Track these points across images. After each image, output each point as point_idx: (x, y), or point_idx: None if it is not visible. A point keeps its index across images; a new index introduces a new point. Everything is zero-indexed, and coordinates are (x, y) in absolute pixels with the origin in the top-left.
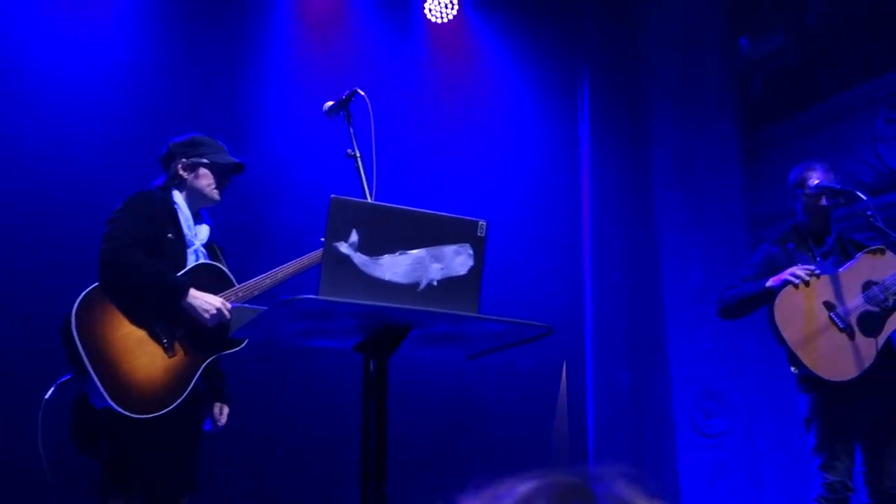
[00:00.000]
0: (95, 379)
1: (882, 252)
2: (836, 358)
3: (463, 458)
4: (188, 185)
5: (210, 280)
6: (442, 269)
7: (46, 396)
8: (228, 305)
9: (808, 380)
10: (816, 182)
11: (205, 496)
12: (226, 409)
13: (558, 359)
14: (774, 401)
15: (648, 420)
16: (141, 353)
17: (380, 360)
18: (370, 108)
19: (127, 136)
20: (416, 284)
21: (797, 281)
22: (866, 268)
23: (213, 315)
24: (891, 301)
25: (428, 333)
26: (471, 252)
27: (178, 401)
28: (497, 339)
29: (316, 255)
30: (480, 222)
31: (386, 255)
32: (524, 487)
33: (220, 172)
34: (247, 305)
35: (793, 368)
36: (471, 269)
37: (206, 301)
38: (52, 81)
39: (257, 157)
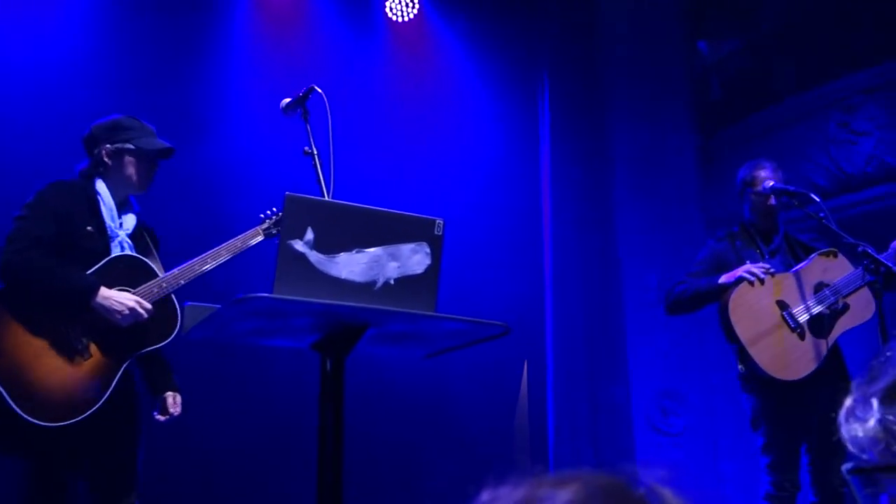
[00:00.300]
0: (2, 390)
1: (835, 255)
2: (787, 357)
3: (423, 458)
4: (113, 173)
5: (129, 273)
6: (399, 267)
7: None
8: (146, 304)
9: (753, 379)
10: (771, 184)
11: (156, 498)
12: (178, 398)
13: (519, 358)
14: (733, 399)
15: (607, 419)
16: (49, 358)
17: (336, 359)
18: (327, 106)
19: (74, 127)
20: (373, 283)
21: (752, 278)
22: (819, 269)
23: (125, 315)
24: (840, 304)
25: (385, 332)
26: (428, 251)
27: (98, 404)
28: (455, 337)
29: (250, 234)
30: (438, 221)
31: (342, 254)
32: (568, 494)
33: (147, 158)
34: (200, 304)
35: (740, 366)
36: (428, 268)
37: (117, 301)
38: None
39: (214, 152)
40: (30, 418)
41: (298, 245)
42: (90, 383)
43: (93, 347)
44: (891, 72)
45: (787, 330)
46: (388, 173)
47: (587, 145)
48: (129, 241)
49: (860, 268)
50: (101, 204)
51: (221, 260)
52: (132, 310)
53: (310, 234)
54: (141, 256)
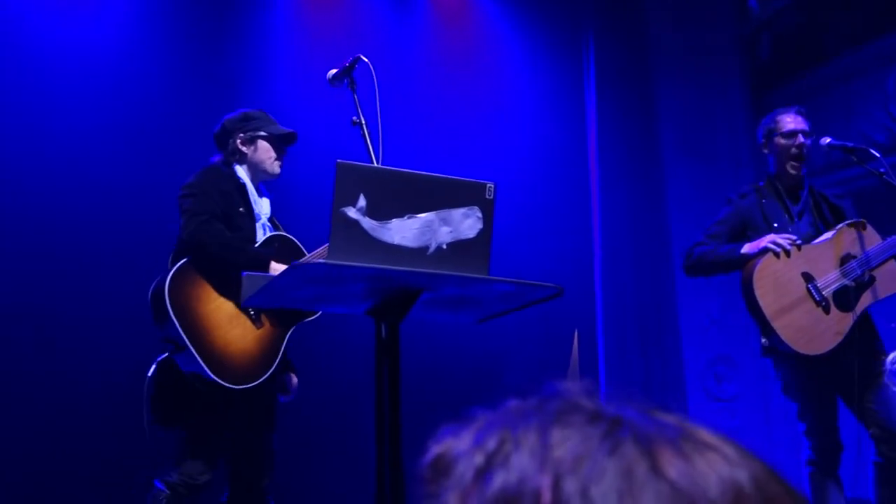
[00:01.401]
0: (194, 352)
1: (863, 226)
2: (812, 331)
3: None
4: (248, 160)
5: (283, 250)
6: (451, 232)
7: (150, 374)
8: None
9: (776, 350)
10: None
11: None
12: (295, 379)
13: (569, 327)
14: None
15: (660, 387)
16: (233, 325)
17: (391, 324)
18: (374, 75)
19: (139, 113)
20: (426, 248)
21: (778, 249)
22: (846, 240)
23: None
24: (867, 276)
25: (438, 297)
26: (479, 215)
27: (271, 370)
28: (507, 301)
29: None
30: (489, 185)
31: (394, 220)
32: (724, 472)
33: (277, 143)
34: (256, 273)
35: (763, 339)
36: (480, 232)
37: None
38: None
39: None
40: (219, 380)
41: (351, 212)
42: (265, 351)
43: (263, 317)
44: None
45: (812, 303)
46: (437, 141)
47: (635, 107)
48: (268, 223)
49: (890, 238)
50: (247, 187)
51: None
52: None
53: (362, 201)
54: (290, 236)
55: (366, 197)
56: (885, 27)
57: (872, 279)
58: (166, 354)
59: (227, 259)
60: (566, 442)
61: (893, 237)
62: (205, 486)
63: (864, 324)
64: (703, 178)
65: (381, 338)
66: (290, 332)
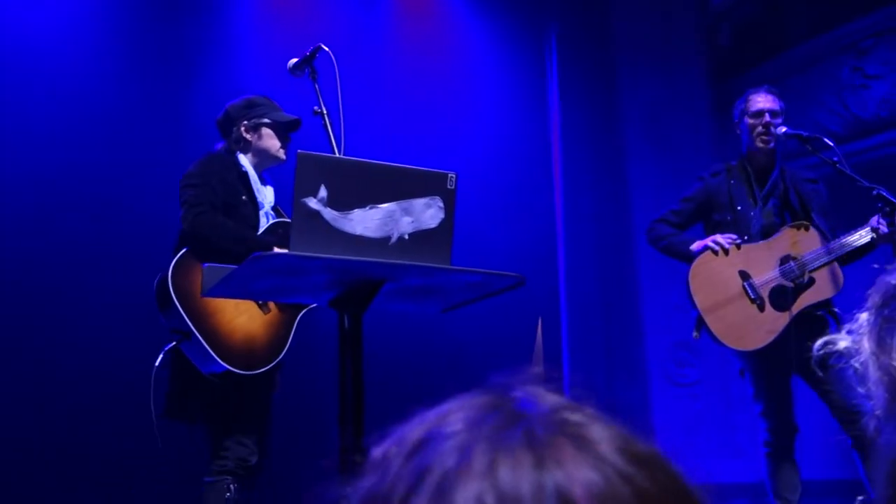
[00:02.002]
0: (202, 340)
1: (806, 228)
2: (744, 328)
3: None
4: (253, 147)
5: (288, 237)
6: (413, 222)
7: (157, 364)
8: None
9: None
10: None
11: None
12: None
13: (533, 314)
14: None
15: (623, 372)
16: (240, 311)
17: (354, 315)
18: (335, 64)
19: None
20: (388, 238)
21: (717, 248)
22: (787, 241)
23: None
24: (806, 278)
25: (401, 287)
26: (441, 205)
27: (281, 355)
28: (470, 290)
29: None
30: (450, 174)
31: (356, 210)
32: (455, 425)
33: (281, 130)
34: (218, 265)
35: (694, 334)
36: (442, 222)
37: None
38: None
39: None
40: (228, 366)
41: (312, 203)
42: (274, 336)
43: (271, 303)
44: None
45: (746, 301)
46: (399, 130)
47: (597, 96)
48: (272, 212)
49: (827, 244)
50: (249, 176)
51: None
52: None
53: (323, 192)
54: None
55: (327, 187)
56: (841, 18)
57: (812, 280)
58: (173, 344)
59: (226, 249)
60: (444, 444)
61: (830, 244)
62: (256, 469)
63: (817, 318)
64: (666, 166)
65: (343, 328)
66: (299, 317)
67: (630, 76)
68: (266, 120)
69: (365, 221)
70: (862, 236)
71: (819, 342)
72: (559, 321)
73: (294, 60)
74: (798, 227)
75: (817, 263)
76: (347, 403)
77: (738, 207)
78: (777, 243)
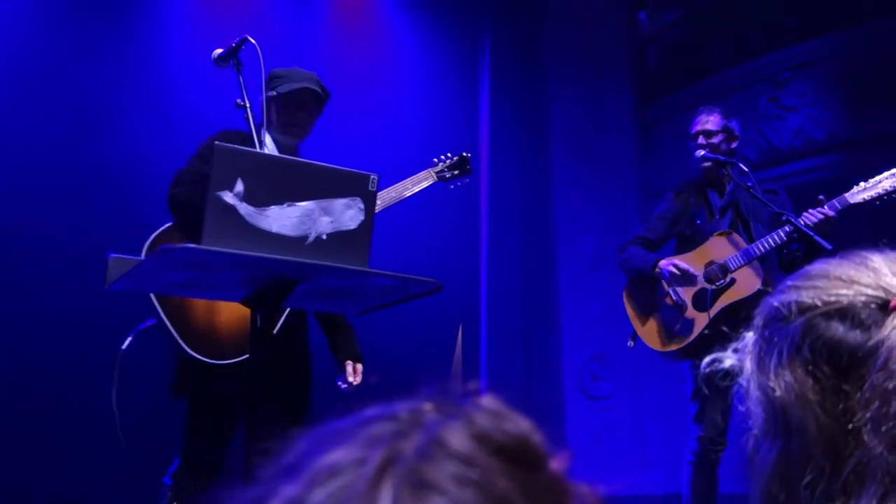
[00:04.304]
0: (167, 323)
1: (729, 234)
2: (665, 330)
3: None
4: (270, 124)
5: None
6: (331, 222)
7: (124, 347)
8: None
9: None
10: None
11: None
12: (359, 367)
13: (453, 321)
14: (659, 364)
15: (540, 383)
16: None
17: (266, 314)
18: (261, 57)
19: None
20: (305, 237)
21: (678, 273)
22: (714, 248)
23: None
24: (728, 279)
25: (316, 287)
26: (361, 206)
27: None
28: (387, 294)
29: (421, 175)
30: (372, 176)
31: (273, 207)
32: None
33: (287, 102)
34: (125, 256)
35: (629, 342)
36: (361, 224)
37: None
38: None
39: (145, 105)
40: (193, 353)
41: (227, 196)
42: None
43: None
44: (819, 48)
45: (670, 304)
46: (324, 129)
47: (526, 111)
48: None
49: (747, 247)
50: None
51: (386, 205)
52: None
53: (239, 186)
54: None
55: (244, 182)
56: (762, 49)
57: (733, 281)
58: (145, 325)
59: (197, 223)
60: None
61: (750, 247)
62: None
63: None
64: (590, 179)
65: (255, 327)
66: (286, 312)
67: (560, 90)
68: (273, 93)
69: (282, 219)
70: (776, 241)
71: (706, 360)
72: (479, 329)
73: (219, 51)
74: (723, 234)
75: (735, 265)
76: (256, 400)
77: (698, 222)
78: (705, 250)
